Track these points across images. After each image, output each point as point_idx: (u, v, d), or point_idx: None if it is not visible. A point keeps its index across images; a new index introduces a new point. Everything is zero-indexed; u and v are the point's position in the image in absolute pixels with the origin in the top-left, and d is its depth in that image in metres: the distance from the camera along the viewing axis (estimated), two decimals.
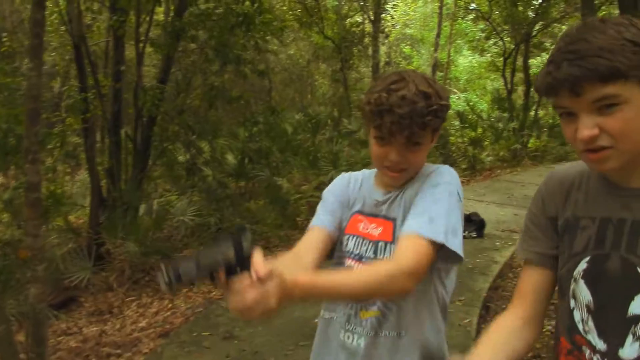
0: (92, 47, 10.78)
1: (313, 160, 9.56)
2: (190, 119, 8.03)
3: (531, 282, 1.17)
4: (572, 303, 1.09)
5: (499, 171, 11.74)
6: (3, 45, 8.57)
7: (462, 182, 10.67)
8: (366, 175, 1.59)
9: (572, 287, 1.09)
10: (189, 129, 7.81)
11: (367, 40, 13.44)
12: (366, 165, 9.84)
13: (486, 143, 13.11)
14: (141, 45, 7.43)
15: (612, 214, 1.05)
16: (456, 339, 3.68)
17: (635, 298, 1.00)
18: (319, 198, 1.59)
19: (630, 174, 1.03)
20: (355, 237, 1.49)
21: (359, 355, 1.44)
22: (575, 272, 1.08)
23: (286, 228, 7.61)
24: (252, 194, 8.13)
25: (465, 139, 12.57)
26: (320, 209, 1.56)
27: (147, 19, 7.61)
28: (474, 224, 6.29)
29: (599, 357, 1.04)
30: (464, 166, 11.94)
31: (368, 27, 13.66)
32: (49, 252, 5.69)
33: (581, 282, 1.07)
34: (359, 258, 1.46)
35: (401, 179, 1.43)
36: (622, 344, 1.01)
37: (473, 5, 15.37)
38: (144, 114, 7.18)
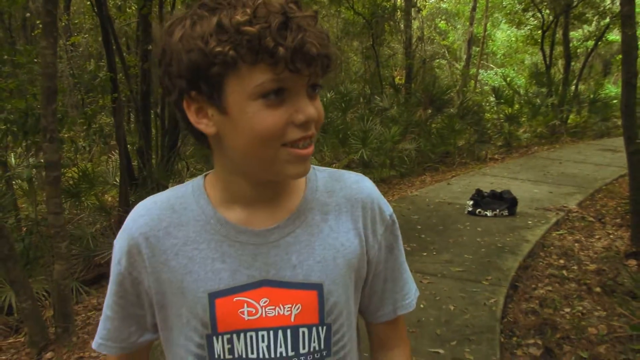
0: (124, 28, 10.86)
1: (343, 138, 9.47)
2: None
3: None
4: None
5: (536, 148, 11.40)
6: (37, 28, 8.71)
7: (497, 160, 10.48)
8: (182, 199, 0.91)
9: None
10: None
11: (398, 15, 13.11)
12: (397, 143, 9.66)
13: (523, 119, 12.73)
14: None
15: None
16: (480, 319, 3.57)
17: None
18: None
19: None
20: (243, 334, 0.84)
21: None
22: None
23: None
24: None
25: (501, 115, 12.22)
26: (109, 312, 0.94)
27: None
28: (505, 202, 6.10)
29: None
30: (499, 143, 11.64)
31: (400, 1, 13.32)
32: (80, 229, 5.80)
33: None
34: None
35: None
36: None
37: None
38: None
